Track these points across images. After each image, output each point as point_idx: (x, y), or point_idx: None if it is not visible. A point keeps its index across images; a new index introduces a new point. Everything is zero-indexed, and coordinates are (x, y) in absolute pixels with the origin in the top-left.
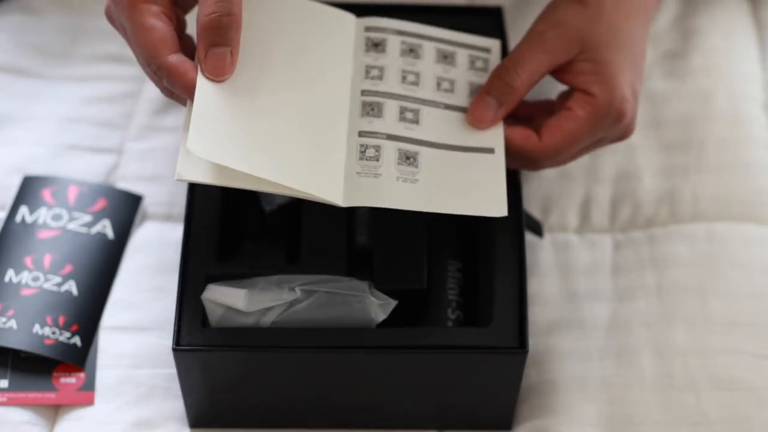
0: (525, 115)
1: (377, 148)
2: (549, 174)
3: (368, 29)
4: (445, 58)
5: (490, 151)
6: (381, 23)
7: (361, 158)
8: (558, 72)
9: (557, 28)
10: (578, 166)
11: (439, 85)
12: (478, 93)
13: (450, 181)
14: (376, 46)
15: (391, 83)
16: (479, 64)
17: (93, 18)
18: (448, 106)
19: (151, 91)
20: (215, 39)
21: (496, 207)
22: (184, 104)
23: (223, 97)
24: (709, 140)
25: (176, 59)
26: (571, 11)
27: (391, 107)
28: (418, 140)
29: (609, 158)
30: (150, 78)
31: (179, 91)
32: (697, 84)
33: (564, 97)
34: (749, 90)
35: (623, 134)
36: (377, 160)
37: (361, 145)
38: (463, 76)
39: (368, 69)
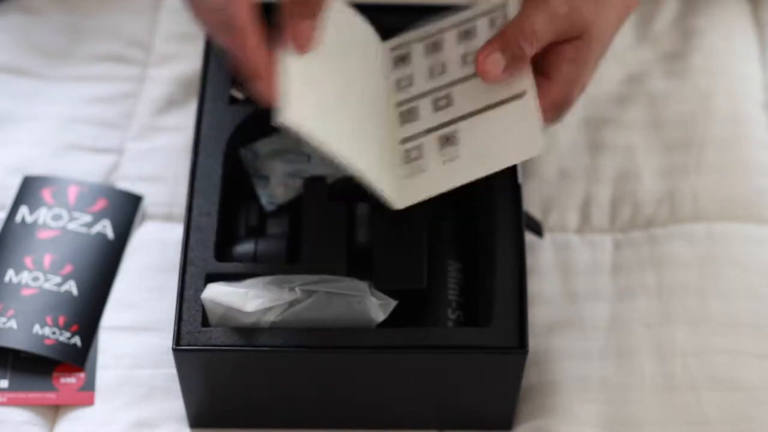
0: None
1: (419, 148)
2: (549, 174)
3: (393, 49)
4: (467, 34)
5: (521, 95)
6: (403, 39)
7: (406, 162)
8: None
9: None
10: (578, 166)
11: (464, 60)
12: (490, 45)
13: (488, 143)
14: (403, 60)
15: (421, 84)
16: (499, 22)
17: (93, 18)
18: (476, 74)
19: (151, 91)
20: (306, 11)
21: (531, 148)
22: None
23: (309, 75)
24: (709, 140)
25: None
26: None
27: (424, 105)
28: (454, 119)
29: (609, 158)
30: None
31: (226, 32)
32: (697, 84)
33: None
34: (749, 90)
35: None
36: (421, 158)
37: (406, 151)
38: (486, 39)
39: (398, 82)
